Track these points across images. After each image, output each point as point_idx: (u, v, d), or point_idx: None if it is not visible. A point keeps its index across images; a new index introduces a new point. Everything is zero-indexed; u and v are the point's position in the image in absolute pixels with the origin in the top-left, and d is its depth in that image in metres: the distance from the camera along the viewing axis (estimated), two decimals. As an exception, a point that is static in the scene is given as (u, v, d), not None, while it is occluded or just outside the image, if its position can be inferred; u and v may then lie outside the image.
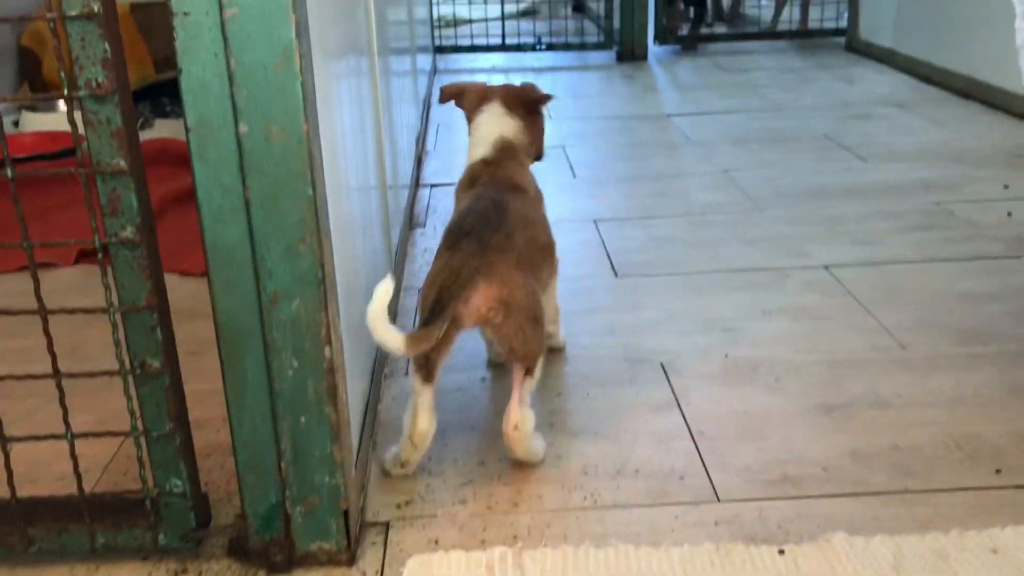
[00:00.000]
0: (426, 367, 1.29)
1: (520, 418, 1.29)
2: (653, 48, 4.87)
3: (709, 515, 1.22)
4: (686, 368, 1.62)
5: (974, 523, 1.18)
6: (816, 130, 3.19)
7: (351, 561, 1.14)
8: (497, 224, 1.31)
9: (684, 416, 1.46)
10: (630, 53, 4.67)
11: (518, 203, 1.41)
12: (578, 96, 3.99)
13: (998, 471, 1.29)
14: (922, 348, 1.65)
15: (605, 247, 2.20)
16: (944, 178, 2.61)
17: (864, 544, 1.14)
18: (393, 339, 1.18)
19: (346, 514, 1.14)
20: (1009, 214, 2.28)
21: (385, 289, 1.16)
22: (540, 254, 1.41)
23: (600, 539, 1.17)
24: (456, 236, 1.31)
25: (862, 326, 1.74)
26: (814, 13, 5.03)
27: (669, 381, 1.57)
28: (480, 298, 1.25)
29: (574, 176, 2.81)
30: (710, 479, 1.30)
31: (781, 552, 1.13)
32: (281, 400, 1.09)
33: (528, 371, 1.31)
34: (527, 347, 1.29)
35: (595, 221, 2.37)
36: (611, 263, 2.10)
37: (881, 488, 1.27)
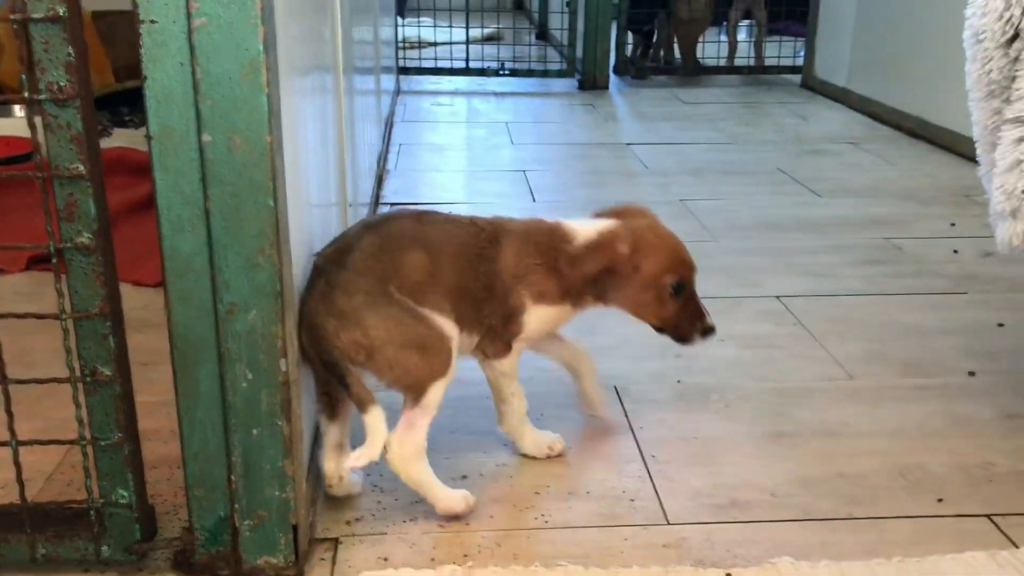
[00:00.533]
0: (329, 405, 1.27)
1: (395, 442, 1.21)
2: (614, 78, 4.94)
3: (658, 538, 1.23)
4: (639, 393, 1.63)
5: (916, 551, 1.21)
6: (771, 164, 3.26)
7: (299, 577, 1.13)
8: (345, 258, 1.22)
9: (636, 440, 1.47)
10: (592, 82, 4.73)
11: (409, 224, 1.28)
12: (540, 122, 4.03)
13: (940, 500, 1.32)
14: (869, 379, 1.69)
15: (562, 271, 2.21)
16: (894, 215, 2.67)
17: (810, 569, 1.16)
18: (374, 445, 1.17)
19: (295, 529, 1.13)
20: (955, 251, 2.35)
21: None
22: (419, 274, 1.24)
23: (550, 559, 1.18)
24: (314, 273, 1.24)
25: (812, 356, 1.78)
26: (771, 50, 5.14)
27: (623, 405, 1.58)
28: (339, 343, 1.19)
29: (534, 200, 2.83)
30: (660, 502, 1.31)
31: (729, 575, 1.14)
32: (234, 412, 1.08)
33: (415, 400, 1.23)
34: (407, 378, 1.21)
35: (553, 245, 2.39)
36: (568, 287, 2.11)
37: (827, 514, 1.29)
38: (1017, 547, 1.21)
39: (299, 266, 1.19)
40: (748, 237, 2.47)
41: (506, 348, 1.35)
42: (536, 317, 1.33)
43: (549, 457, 1.41)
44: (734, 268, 2.23)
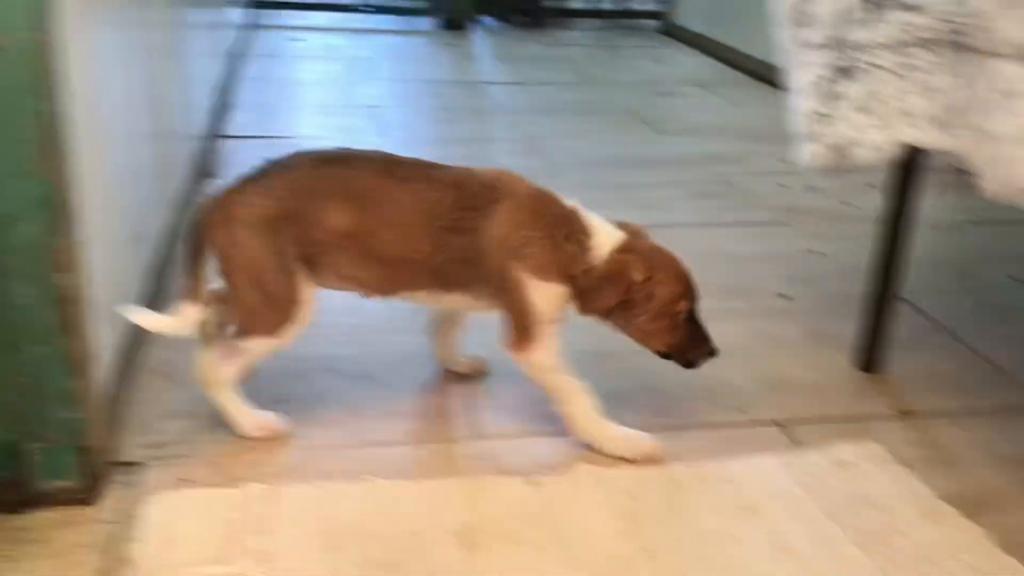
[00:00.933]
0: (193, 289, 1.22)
1: (206, 361, 1.22)
2: (479, 19, 4.89)
3: (467, 451, 1.26)
4: (472, 319, 1.64)
5: (714, 455, 1.27)
6: (621, 105, 3.31)
7: (92, 501, 1.10)
8: (275, 174, 1.20)
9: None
10: (455, 22, 4.67)
11: (364, 177, 1.20)
12: (398, 60, 3.96)
13: (740, 410, 1.39)
14: (690, 303, 1.75)
15: (403, 204, 2.20)
16: (730, 152, 2.76)
17: (608, 474, 1.20)
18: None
19: (88, 452, 1.09)
20: (781, 185, 2.45)
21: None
22: (325, 234, 1.19)
23: (358, 474, 1.18)
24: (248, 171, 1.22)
25: (638, 282, 1.83)
26: (635, -5, 5.19)
27: (449, 330, 1.60)
28: (208, 236, 1.19)
29: (383, 136, 2.79)
30: (471, 418, 1.34)
31: (530, 483, 1.18)
32: (14, 330, 1.03)
33: (237, 336, 1.21)
34: (240, 312, 1.20)
35: (397, 179, 2.37)
36: (407, 219, 2.10)
37: (634, 425, 1.33)
38: (803, 448, 1.29)
39: (89, 182, 1.14)
40: (590, 173, 2.51)
41: (527, 337, 1.24)
42: (541, 294, 1.24)
43: (646, 458, 1.25)
44: (574, 201, 2.27)
